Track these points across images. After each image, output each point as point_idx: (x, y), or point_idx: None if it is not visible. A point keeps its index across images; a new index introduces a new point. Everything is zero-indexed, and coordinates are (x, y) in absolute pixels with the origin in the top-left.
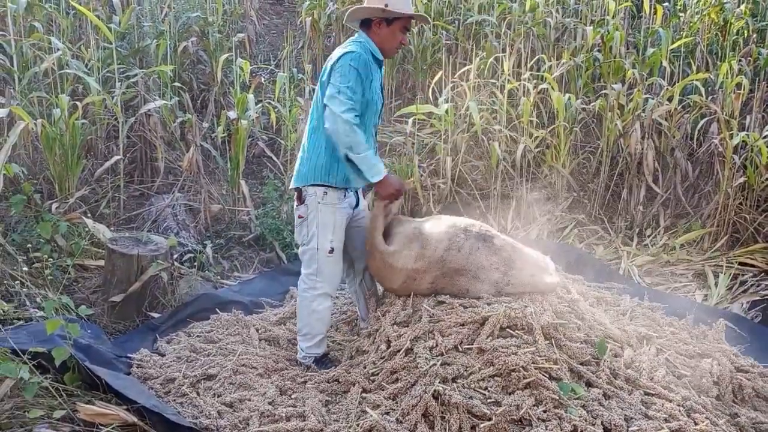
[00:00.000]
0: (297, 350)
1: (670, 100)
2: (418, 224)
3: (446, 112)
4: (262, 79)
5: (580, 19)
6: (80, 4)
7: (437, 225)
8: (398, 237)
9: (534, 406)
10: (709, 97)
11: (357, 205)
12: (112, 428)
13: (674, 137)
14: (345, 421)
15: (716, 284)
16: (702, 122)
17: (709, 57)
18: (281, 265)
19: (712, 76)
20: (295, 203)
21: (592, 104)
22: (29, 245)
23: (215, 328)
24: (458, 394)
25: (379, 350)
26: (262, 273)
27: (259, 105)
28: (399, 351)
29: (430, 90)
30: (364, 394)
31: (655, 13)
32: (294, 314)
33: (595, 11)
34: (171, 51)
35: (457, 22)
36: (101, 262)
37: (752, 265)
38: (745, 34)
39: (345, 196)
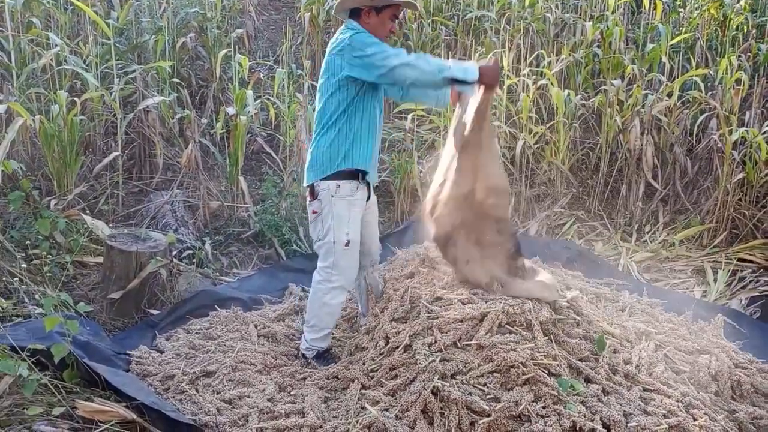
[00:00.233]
0: (297, 345)
1: (669, 95)
2: None
3: (446, 108)
4: (261, 75)
5: (580, 14)
6: (78, 0)
7: None
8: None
9: (533, 402)
10: (709, 93)
11: (368, 198)
12: (111, 425)
13: (673, 133)
14: (344, 417)
15: (715, 280)
16: (701, 118)
17: (709, 53)
18: (280, 262)
19: (711, 72)
20: (308, 199)
21: (591, 100)
22: (28, 242)
23: (214, 325)
24: (457, 390)
25: (377, 347)
26: (261, 270)
27: (258, 101)
28: (398, 347)
29: None
30: (363, 391)
31: (655, 8)
32: (293, 311)
33: (595, 7)
34: (169, 47)
35: (456, 17)
36: (100, 259)
37: (751, 261)
38: (745, 30)
39: (357, 188)
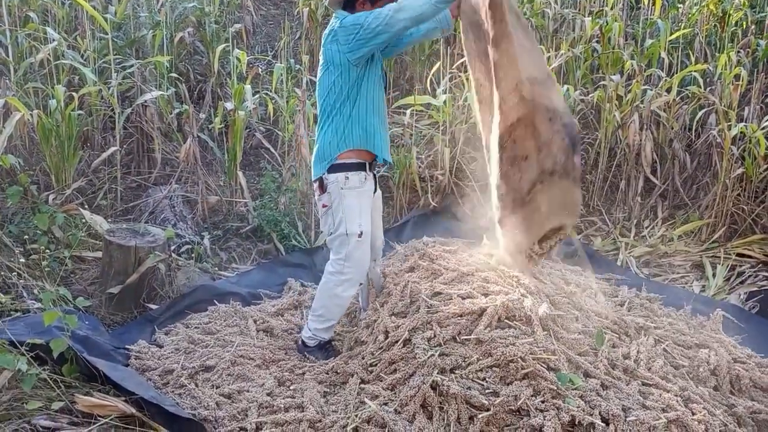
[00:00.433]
0: (296, 339)
1: (668, 91)
2: None
3: (444, 103)
4: (260, 70)
5: (579, 10)
6: None
7: None
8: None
9: (532, 396)
10: (708, 89)
11: (375, 190)
12: (110, 419)
13: (672, 128)
14: (343, 411)
15: (714, 275)
16: (700, 113)
17: (708, 48)
18: (279, 257)
19: (710, 67)
20: (317, 193)
21: (590, 95)
22: (26, 237)
23: (213, 320)
24: (456, 384)
25: (377, 341)
26: (260, 264)
27: (257, 96)
28: (397, 342)
29: (428, 81)
30: (362, 385)
31: (654, 4)
32: (292, 305)
33: (594, 2)
34: (167, 41)
35: None
36: (99, 254)
37: (750, 256)
38: (744, 25)
39: (366, 178)
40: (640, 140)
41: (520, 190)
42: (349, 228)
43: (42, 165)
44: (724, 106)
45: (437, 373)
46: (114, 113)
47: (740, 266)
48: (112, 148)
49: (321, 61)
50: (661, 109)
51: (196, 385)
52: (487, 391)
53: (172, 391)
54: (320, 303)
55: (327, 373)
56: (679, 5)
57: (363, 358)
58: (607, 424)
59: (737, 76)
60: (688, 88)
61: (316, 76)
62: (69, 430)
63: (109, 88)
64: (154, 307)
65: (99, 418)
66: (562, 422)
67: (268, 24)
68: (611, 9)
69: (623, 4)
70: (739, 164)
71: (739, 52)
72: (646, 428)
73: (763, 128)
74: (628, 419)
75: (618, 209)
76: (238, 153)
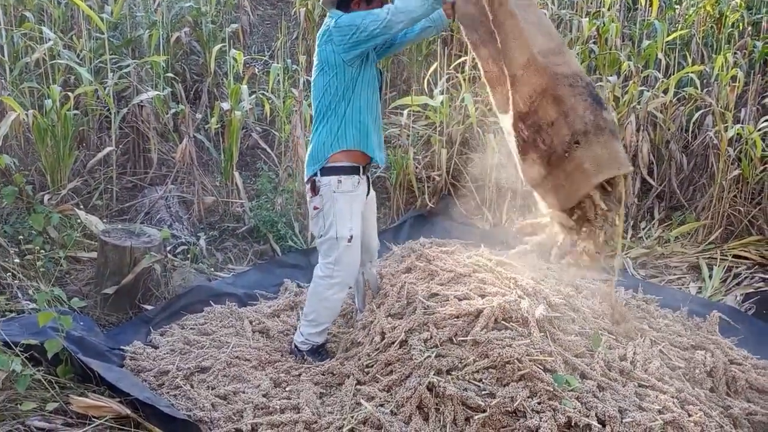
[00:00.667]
0: (292, 340)
1: (665, 92)
2: None
3: (441, 103)
4: (256, 70)
5: (576, 10)
6: None
7: None
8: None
9: (528, 397)
10: (705, 90)
11: (368, 193)
12: (105, 420)
13: (669, 130)
14: (339, 413)
15: (710, 276)
16: (697, 115)
17: (705, 49)
18: (275, 258)
19: (707, 69)
20: (309, 195)
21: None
22: (21, 237)
23: (209, 321)
24: (453, 386)
25: (373, 342)
26: (256, 265)
27: (253, 96)
28: (393, 343)
29: (426, 82)
30: (358, 386)
31: (651, 5)
32: (288, 306)
33: (591, 3)
34: (164, 41)
35: None
36: (94, 254)
37: (746, 258)
38: (741, 27)
39: (359, 182)
40: (637, 141)
41: (554, 150)
42: (339, 232)
43: (37, 165)
44: (721, 107)
45: (433, 375)
46: (110, 113)
47: (737, 268)
48: (108, 148)
49: (315, 62)
50: (657, 111)
51: (192, 386)
52: (483, 392)
53: (168, 392)
54: (311, 308)
55: (323, 375)
56: (676, 6)
57: (359, 360)
58: (604, 426)
59: (734, 78)
60: (684, 89)
61: (312, 77)
62: (63, 431)
63: (105, 88)
64: (149, 307)
65: (94, 419)
66: (558, 424)
67: (265, 24)
68: (608, 10)
69: (620, 5)
70: (735, 166)
71: (735, 53)
72: (643, 430)
73: (760, 130)
74: (624, 421)
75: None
76: (234, 153)
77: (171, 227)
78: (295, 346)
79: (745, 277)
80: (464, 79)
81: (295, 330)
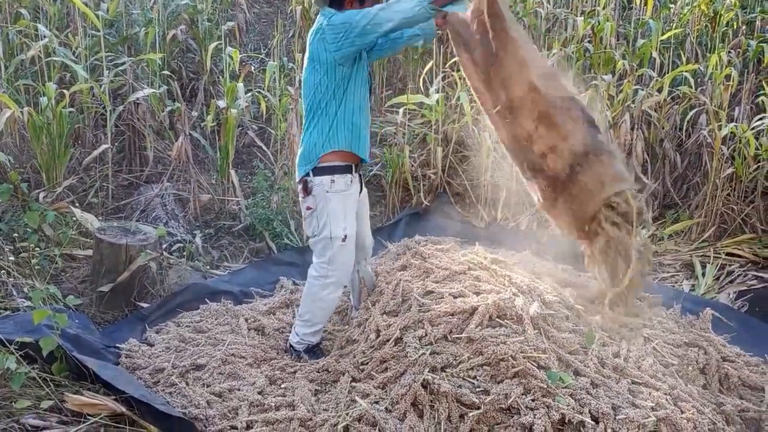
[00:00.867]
0: (287, 338)
1: (659, 91)
2: None
3: (437, 102)
4: (252, 68)
5: (571, 9)
6: None
7: None
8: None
9: (522, 394)
10: (699, 89)
11: (361, 190)
12: (100, 418)
13: (663, 128)
14: (334, 410)
15: (703, 274)
16: (691, 113)
17: (699, 48)
18: (271, 255)
19: (701, 68)
20: (301, 195)
21: (582, 95)
22: (16, 235)
23: (204, 318)
24: (447, 383)
25: (368, 339)
26: (252, 263)
27: (249, 94)
28: (388, 340)
29: (421, 80)
30: (353, 384)
31: (646, 4)
32: (283, 304)
33: (586, 2)
34: (160, 39)
35: None
36: (89, 252)
37: (739, 256)
38: (735, 26)
39: (352, 181)
40: (631, 140)
41: (558, 175)
42: (333, 231)
43: (33, 162)
44: (715, 106)
45: (428, 372)
46: (105, 111)
47: (730, 265)
48: (104, 146)
49: (306, 60)
50: (652, 109)
51: (187, 384)
52: (477, 389)
53: (163, 390)
54: (306, 308)
55: (318, 372)
56: (671, 5)
57: (354, 357)
58: (597, 423)
59: (728, 77)
60: (679, 88)
61: (302, 75)
62: (58, 429)
63: (100, 86)
64: (145, 305)
65: (89, 417)
66: (552, 420)
67: (261, 22)
68: (603, 9)
69: (615, 4)
70: (729, 164)
71: (729, 52)
72: (636, 426)
73: (753, 128)
74: (617, 417)
75: None
76: (230, 151)
77: (167, 225)
78: (291, 346)
79: (738, 275)
80: (460, 78)
81: (291, 328)
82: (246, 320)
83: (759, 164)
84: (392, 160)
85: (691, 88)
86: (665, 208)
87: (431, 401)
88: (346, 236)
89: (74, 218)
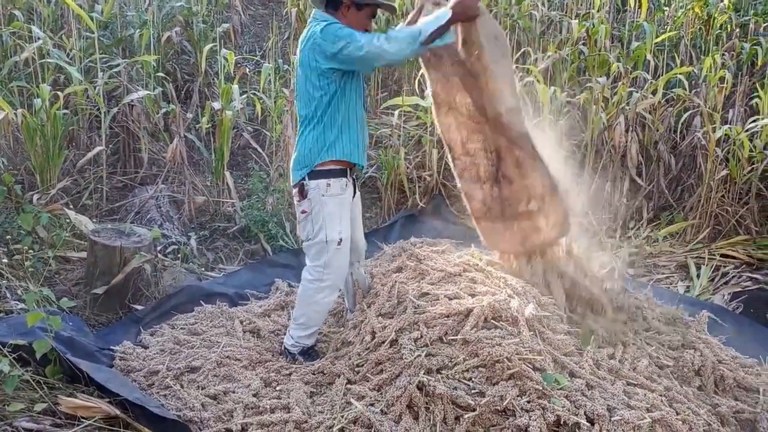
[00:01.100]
0: (282, 341)
1: (654, 93)
2: None
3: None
4: (247, 70)
5: (566, 12)
6: None
7: None
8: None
9: (518, 396)
10: (693, 91)
11: (354, 194)
12: (94, 421)
13: (658, 130)
14: (330, 412)
15: (698, 276)
16: (685, 115)
17: (693, 51)
18: (266, 257)
19: (695, 70)
20: (296, 198)
21: (577, 97)
22: (9, 237)
23: (199, 320)
24: (443, 385)
25: (364, 341)
26: (247, 265)
27: (244, 96)
28: (384, 342)
29: (416, 82)
30: (349, 386)
31: (640, 6)
32: (279, 306)
33: (581, 5)
34: (154, 41)
35: None
36: (83, 254)
37: (734, 257)
38: (729, 29)
39: (347, 185)
40: (626, 142)
41: (510, 205)
42: (329, 235)
43: (26, 164)
44: (709, 108)
45: (423, 374)
46: (100, 113)
47: (724, 267)
48: (98, 148)
49: (298, 66)
50: (646, 111)
51: (182, 386)
52: (473, 391)
53: (157, 393)
54: (301, 311)
55: (313, 374)
56: (665, 8)
57: (350, 359)
58: (592, 424)
59: (722, 79)
60: (673, 90)
61: (295, 81)
62: None
63: (95, 88)
64: (139, 307)
65: (82, 419)
66: (547, 422)
67: (257, 24)
68: (598, 11)
69: (610, 7)
70: (723, 166)
71: (723, 55)
72: (631, 428)
73: (747, 131)
74: (612, 419)
75: (604, 210)
76: (225, 153)
77: (161, 227)
78: (285, 349)
79: (733, 276)
80: None
81: (286, 330)
82: (241, 322)
83: (753, 166)
84: (387, 162)
85: (686, 90)
86: (660, 210)
87: (427, 403)
88: (341, 240)
89: (68, 220)
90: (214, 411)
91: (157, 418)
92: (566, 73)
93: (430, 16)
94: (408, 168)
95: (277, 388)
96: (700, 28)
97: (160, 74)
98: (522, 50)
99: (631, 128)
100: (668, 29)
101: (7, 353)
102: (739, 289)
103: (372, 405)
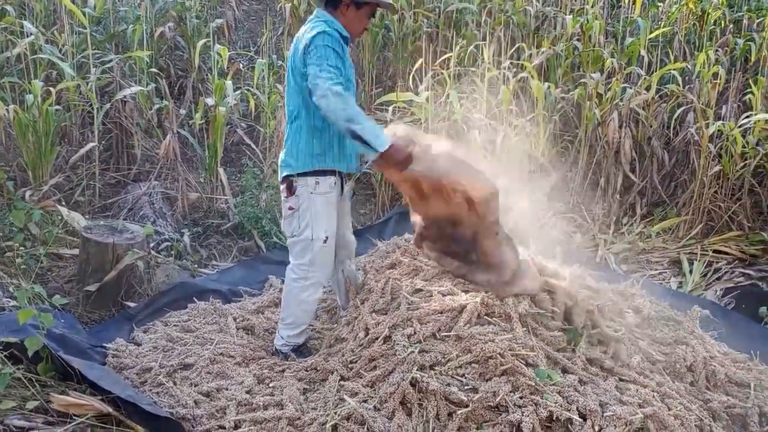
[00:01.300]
0: (275, 339)
1: (647, 89)
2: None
3: (426, 100)
4: (241, 66)
5: (560, 8)
6: None
7: None
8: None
9: (510, 392)
10: (686, 87)
11: (342, 192)
12: (87, 419)
13: (651, 126)
14: (323, 409)
15: (691, 271)
16: (679, 111)
17: (687, 47)
18: (260, 254)
19: (689, 66)
20: (284, 195)
21: (571, 93)
22: (1, 234)
23: (192, 317)
24: (436, 381)
25: (357, 338)
26: (241, 261)
27: (238, 92)
28: (377, 338)
29: (411, 78)
30: (342, 382)
31: (634, 2)
32: (272, 303)
33: (575, 0)
34: (148, 36)
35: (437, 9)
36: (76, 251)
37: (726, 253)
38: (722, 25)
39: (335, 183)
40: (620, 138)
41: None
42: (315, 233)
43: (19, 161)
44: (702, 104)
45: (417, 370)
46: (92, 109)
47: (717, 263)
48: (91, 144)
49: (291, 61)
50: (640, 107)
51: (174, 384)
52: (466, 387)
53: (150, 390)
54: (288, 311)
55: (307, 371)
56: (659, 4)
57: (343, 355)
58: (585, 420)
59: (715, 75)
60: (667, 86)
61: (286, 83)
62: (44, 430)
63: (87, 84)
64: (132, 304)
65: (75, 417)
66: (540, 418)
67: (251, 19)
68: (592, 7)
69: (604, 3)
70: (716, 162)
71: (717, 50)
72: (623, 423)
73: (741, 126)
74: (605, 414)
75: (597, 206)
76: (218, 149)
77: (154, 224)
78: (277, 350)
79: (726, 272)
80: (449, 76)
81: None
82: (234, 319)
83: (746, 162)
84: None
85: (679, 86)
86: (653, 206)
87: (420, 399)
88: (327, 238)
89: (61, 217)
90: (207, 408)
91: (149, 416)
92: (560, 68)
93: (376, 127)
94: None
95: (270, 385)
96: (694, 24)
97: (153, 70)
98: (516, 46)
99: (624, 124)
100: (662, 25)
101: None
102: (732, 285)
103: (365, 401)
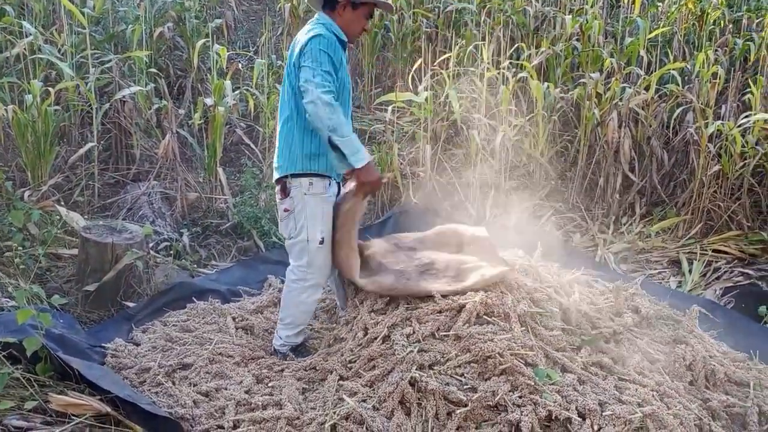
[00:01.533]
0: (273, 339)
1: (647, 89)
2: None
3: (426, 99)
4: (240, 66)
5: (560, 8)
6: None
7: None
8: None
9: (510, 391)
10: (686, 87)
11: (338, 193)
12: (85, 419)
13: (651, 126)
14: (322, 408)
15: (690, 271)
16: (678, 111)
17: (686, 47)
18: (259, 254)
19: (688, 66)
20: (279, 196)
21: (570, 93)
22: (0, 234)
23: (191, 317)
24: (435, 380)
25: (356, 338)
26: (240, 261)
27: (237, 92)
28: (376, 338)
29: (410, 78)
30: (341, 382)
31: (634, 2)
32: (272, 303)
33: (575, 0)
34: (147, 36)
35: (437, 9)
36: (75, 251)
37: (726, 252)
38: (722, 25)
39: (330, 184)
40: (619, 137)
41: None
42: (310, 235)
43: (18, 161)
44: (702, 104)
45: (416, 370)
46: (91, 109)
47: (716, 262)
48: (90, 144)
49: (290, 60)
50: (639, 107)
51: (173, 384)
52: (465, 386)
53: (149, 390)
54: (287, 312)
55: (306, 370)
56: (659, 4)
57: (342, 355)
58: (584, 419)
59: (714, 75)
60: (666, 86)
61: (283, 84)
62: (42, 430)
63: (86, 84)
64: (131, 304)
65: (73, 417)
66: (539, 417)
67: (250, 19)
68: (591, 7)
69: (603, 3)
70: (715, 161)
71: (716, 50)
72: (622, 422)
73: (740, 126)
74: (604, 414)
75: (596, 206)
76: (218, 149)
77: (153, 223)
78: (276, 350)
79: (725, 272)
80: (448, 76)
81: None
82: (233, 319)
83: (745, 161)
84: (381, 158)
85: (679, 86)
86: (652, 206)
87: (419, 399)
88: (323, 239)
89: (59, 217)
90: (205, 408)
91: (148, 416)
92: (560, 68)
93: (358, 143)
94: (401, 164)
95: (269, 385)
96: (694, 24)
97: (153, 70)
98: (516, 46)
99: (624, 124)
100: (661, 25)
101: None
102: (731, 284)
103: (364, 401)
